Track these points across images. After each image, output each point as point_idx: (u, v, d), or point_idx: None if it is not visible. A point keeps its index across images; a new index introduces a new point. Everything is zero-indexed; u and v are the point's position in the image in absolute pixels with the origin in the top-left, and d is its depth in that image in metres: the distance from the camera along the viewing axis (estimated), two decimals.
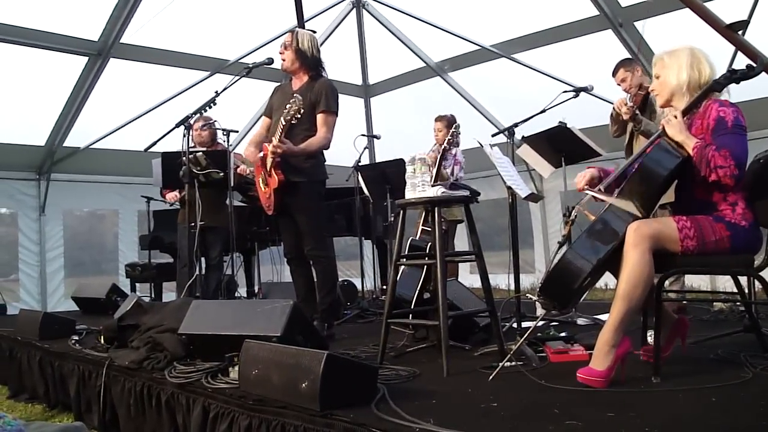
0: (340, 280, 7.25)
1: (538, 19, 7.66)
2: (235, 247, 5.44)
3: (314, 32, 4.57)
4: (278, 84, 4.69)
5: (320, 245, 4.46)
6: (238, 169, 5.95)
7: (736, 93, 2.95)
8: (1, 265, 8.61)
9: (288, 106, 4.07)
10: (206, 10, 7.77)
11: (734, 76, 2.81)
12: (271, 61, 4.59)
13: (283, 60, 4.45)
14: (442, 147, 4.11)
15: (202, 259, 5.57)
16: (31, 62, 7.25)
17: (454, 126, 3.97)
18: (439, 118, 6.56)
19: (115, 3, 6.95)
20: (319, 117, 4.34)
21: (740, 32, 3.92)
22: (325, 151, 4.54)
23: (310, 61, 4.46)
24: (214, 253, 5.85)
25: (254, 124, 8.63)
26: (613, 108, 4.74)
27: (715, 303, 4.94)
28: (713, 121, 2.78)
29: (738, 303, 4.47)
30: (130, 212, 9.28)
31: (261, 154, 4.42)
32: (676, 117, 2.84)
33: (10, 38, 6.85)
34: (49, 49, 7.15)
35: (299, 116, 4.11)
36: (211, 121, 5.78)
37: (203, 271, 5.53)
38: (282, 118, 4.11)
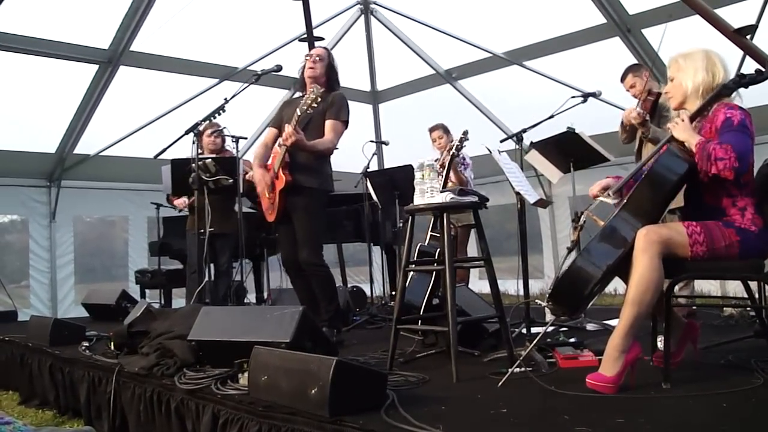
0: (349, 286, 7.28)
1: (546, 27, 7.67)
2: (244, 254, 5.45)
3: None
4: (287, 99, 4.69)
5: (315, 254, 4.43)
6: (248, 176, 5.96)
7: (743, 98, 2.95)
8: (12, 272, 8.66)
9: (306, 96, 4.10)
10: (215, 18, 7.82)
11: (743, 81, 2.80)
12: (279, 68, 4.61)
13: (313, 69, 4.45)
14: (451, 153, 4.10)
15: (212, 265, 5.59)
16: (42, 71, 7.31)
17: (462, 132, 3.97)
18: (433, 128, 6.51)
19: (125, 11, 7.01)
20: (329, 123, 4.37)
21: (748, 36, 3.90)
22: (333, 158, 4.56)
23: (333, 79, 4.55)
24: (223, 259, 5.87)
25: (263, 130, 8.65)
26: (623, 118, 4.72)
27: (725, 308, 4.92)
28: (720, 123, 2.78)
29: (748, 308, 4.45)
30: (140, 219, 9.33)
31: (269, 160, 4.44)
32: (683, 120, 2.84)
33: (21, 47, 6.92)
34: (60, 57, 7.22)
35: (316, 105, 4.14)
36: (220, 128, 5.80)
37: (212, 278, 5.55)
38: (298, 108, 4.13)
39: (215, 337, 3.37)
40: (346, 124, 4.45)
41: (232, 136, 5.65)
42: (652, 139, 4.45)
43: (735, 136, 2.69)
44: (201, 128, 5.00)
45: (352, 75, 9.47)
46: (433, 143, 6.49)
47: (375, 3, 9.01)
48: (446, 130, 6.39)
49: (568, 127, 4.80)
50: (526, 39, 7.95)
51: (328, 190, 4.56)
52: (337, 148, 4.49)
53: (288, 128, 4.14)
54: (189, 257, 5.83)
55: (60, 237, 8.65)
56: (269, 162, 4.52)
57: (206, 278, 5.17)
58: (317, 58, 4.47)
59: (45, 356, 4.65)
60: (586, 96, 4.98)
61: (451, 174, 6.00)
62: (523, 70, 8.21)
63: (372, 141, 7.39)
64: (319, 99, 4.11)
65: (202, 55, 8.08)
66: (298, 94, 4.67)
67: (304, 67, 4.51)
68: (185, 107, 8.16)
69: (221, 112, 4.84)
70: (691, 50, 2.98)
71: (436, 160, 3.59)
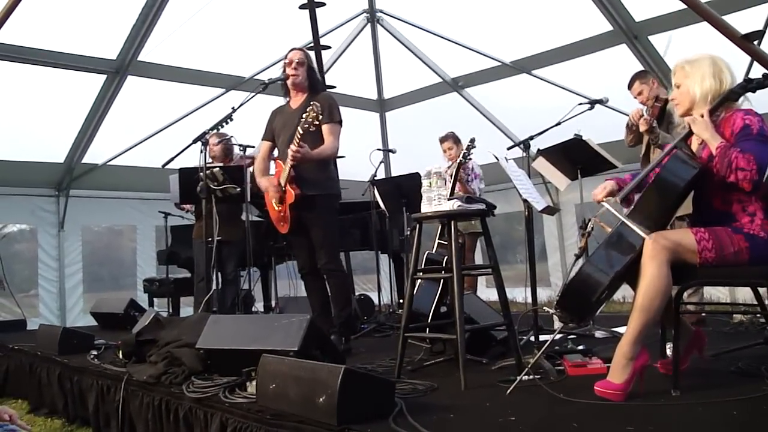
0: (356, 294, 7.28)
1: (552, 36, 7.67)
2: (252, 262, 5.45)
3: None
4: (276, 108, 4.73)
5: (334, 259, 4.51)
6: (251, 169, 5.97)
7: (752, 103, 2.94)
8: (21, 281, 8.68)
9: (305, 114, 4.11)
10: (222, 28, 7.84)
11: (750, 85, 2.79)
12: (287, 76, 4.62)
13: (297, 76, 4.50)
14: (458, 161, 4.11)
15: (218, 273, 5.60)
16: (50, 82, 7.35)
17: (470, 140, 3.97)
18: (443, 138, 6.51)
19: (133, 22, 7.05)
20: (325, 128, 4.39)
21: (756, 42, 3.90)
22: (340, 166, 4.59)
23: (315, 80, 4.62)
24: (230, 267, 5.88)
25: None
26: (629, 118, 4.73)
27: (734, 315, 4.89)
28: (738, 128, 2.76)
29: (758, 315, 4.43)
30: (148, 228, 9.34)
31: (273, 171, 4.47)
32: (702, 116, 2.82)
33: (30, 59, 6.96)
34: (68, 68, 7.26)
35: (317, 123, 4.16)
36: (226, 137, 5.82)
37: (219, 286, 5.56)
38: (299, 127, 4.14)
39: (223, 345, 3.38)
40: (341, 123, 4.50)
41: (240, 145, 5.68)
42: (660, 145, 4.45)
43: (756, 145, 2.67)
44: (208, 137, 5.02)
45: (358, 83, 9.50)
46: (444, 153, 6.49)
47: (381, 11, 9.03)
48: (456, 140, 6.40)
49: (576, 134, 4.80)
50: (533, 48, 7.95)
51: (337, 194, 4.61)
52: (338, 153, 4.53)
53: (292, 147, 4.16)
54: (196, 266, 5.84)
55: (68, 246, 8.66)
56: (272, 174, 4.56)
57: (214, 286, 5.19)
58: (297, 64, 4.50)
59: (54, 365, 4.66)
60: (593, 103, 4.97)
61: (458, 186, 6.03)
62: (530, 77, 8.20)
63: (379, 149, 7.41)
64: (320, 116, 4.14)
65: (210, 65, 8.11)
66: (284, 101, 4.72)
67: (284, 71, 4.55)
68: (193, 117, 8.18)
69: (229, 121, 4.87)
70: (696, 56, 2.95)
71: (447, 169, 3.60)
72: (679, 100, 2.98)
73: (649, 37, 6.96)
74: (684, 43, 6.49)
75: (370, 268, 9.97)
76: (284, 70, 4.54)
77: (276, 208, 4.52)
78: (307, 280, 4.68)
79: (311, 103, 4.14)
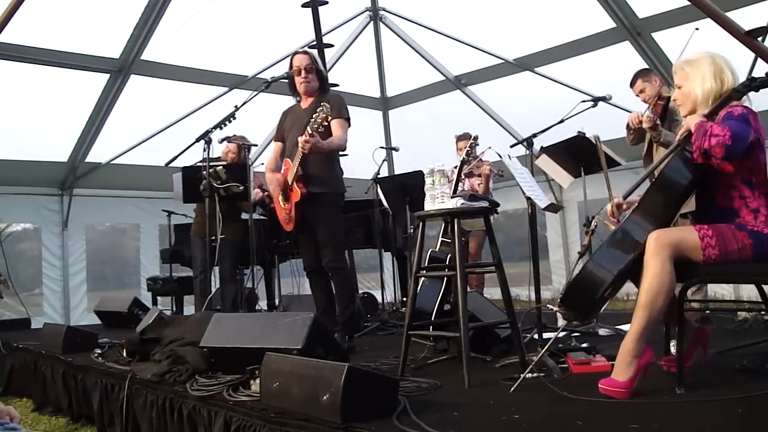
0: (360, 292, 7.28)
1: (555, 33, 7.65)
2: (255, 261, 5.46)
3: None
4: (286, 108, 4.74)
5: (339, 257, 4.52)
6: (257, 195, 6.00)
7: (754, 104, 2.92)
8: (25, 279, 8.68)
9: (315, 115, 4.12)
10: (225, 27, 7.85)
11: (753, 84, 2.78)
12: (290, 75, 4.62)
13: (308, 83, 4.52)
14: (461, 160, 4.12)
15: (217, 271, 5.62)
16: (54, 81, 7.35)
17: (472, 138, 3.98)
18: (462, 137, 6.52)
19: (136, 21, 7.06)
20: (335, 122, 4.41)
21: (759, 39, 3.88)
22: (344, 164, 4.60)
23: (324, 81, 4.65)
24: (226, 265, 5.87)
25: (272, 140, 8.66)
26: (629, 121, 4.71)
27: (739, 312, 4.89)
28: (721, 118, 2.76)
29: (763, 312, 4.42)
30: (152, 226, 9.36)
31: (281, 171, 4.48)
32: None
33: (33, 58, 6.96)
34: (71, 67, 7.26)
35: (326, 124, 4.18)
36: (247, 143, 5.78)
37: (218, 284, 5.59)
38: (309, 127, 4.15)
39: (227, 343, 3.38)
40: (348, 121, 4.52)
41: (243, 144, 5.67)
42: (663, 143, 4.44)
43: (735, 123, 2.68)
44: (223, 139, 5.05)
45: (361, 81, 9.49)
46: (459, 152, 6.49)
47: (384, 9, 9.01)
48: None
49: (579, 132, 4.79)
50: (535, 45, 7.94)
51: (342, 192, 4.62)
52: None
53: (302, 137, 4.15)
54: (193, 261, 5.86)
55: (72, 245, 8.69)
56: (281, 171, 4.57)
57: (214, 285, 5.20)
58: (305, 71, 4.50)
59: (58, 363, 4.68)
60: (596, 100, 4.96)
61: (479, 182, 6.05)
62: (533, 75, 8.20)
63: (382, 147, 7.40)
64: (329, 118, 4.17)
65: (212, 64, 8.11)
66: (293, 100, 4.75)
67: (291, 72, 4.56)
68: (196, 115, 8.18)
69: (231, 119, 4.87)
70: (695, 56, 2.95)
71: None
72: (681, 101, 2.98)
73: (652, 34, 6.95)
74: (685, 40, 6.47)
75: (373, 266, 9.96)
76: (291, 68, 4.54)
77: (282, 205, 4.54)
78: (312, 278, 4.69)
79: (321, 104, 4.15)
